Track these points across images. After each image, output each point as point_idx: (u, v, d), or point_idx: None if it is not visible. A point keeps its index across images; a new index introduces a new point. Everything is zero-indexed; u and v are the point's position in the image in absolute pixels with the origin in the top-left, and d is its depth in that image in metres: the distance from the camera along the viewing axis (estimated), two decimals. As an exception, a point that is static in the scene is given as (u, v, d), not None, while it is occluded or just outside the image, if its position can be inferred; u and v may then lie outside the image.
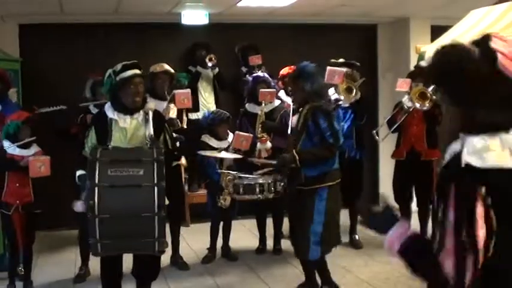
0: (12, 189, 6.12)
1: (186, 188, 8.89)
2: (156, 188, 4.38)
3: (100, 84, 7.10)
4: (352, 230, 8.01)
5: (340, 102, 7.46)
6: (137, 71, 5.15)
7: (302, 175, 5.62)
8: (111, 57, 8.92)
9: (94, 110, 7.13)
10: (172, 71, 7.20)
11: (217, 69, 9.17)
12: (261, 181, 5.89)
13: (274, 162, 5.90)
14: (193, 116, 8.86)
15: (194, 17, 9.00)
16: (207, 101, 9.22)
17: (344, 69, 7.07)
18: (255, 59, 8.90)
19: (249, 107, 7.64)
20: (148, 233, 4.38)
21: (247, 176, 6.07)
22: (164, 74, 7.11)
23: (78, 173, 5.07)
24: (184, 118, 7.12)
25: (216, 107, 8.81)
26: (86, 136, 5.20)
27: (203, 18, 9.01)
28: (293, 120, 5.88)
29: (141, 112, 5.09)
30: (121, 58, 8.42)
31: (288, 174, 5.80)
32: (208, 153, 6.75)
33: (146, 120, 4.97)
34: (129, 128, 5.03)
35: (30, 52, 8.85)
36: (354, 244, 7.87)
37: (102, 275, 5.31)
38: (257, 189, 5.82)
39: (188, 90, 6.74)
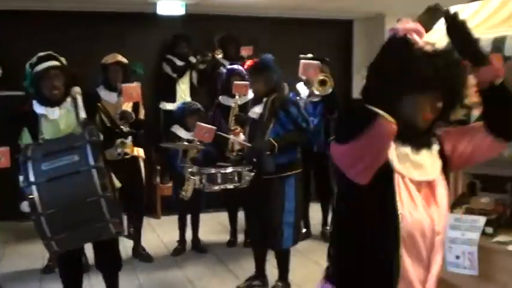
0: None
1: (158, 180, 8.85)
2: (94, 170, 4.22)
3: None
4: (324, 223, 8.02)
5: (316, 99, 7.48)
6: (52, 63, 4.91)
7: (273, 163, 5.64)
8: (87, 46, 8.94)
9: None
10: (125, 61, 7.04)
11: (204, 66, 9.18)
12: (225, 171, 5.84)
13: (248, 144, 5.85)
14: (168, 106, 8.83)
15: (170, 7, 8.93)
16: (184, 93, 9.20)
17: (318, 62, 7.06)
18: (247, 50, 8.89)
19: (223, 99, 7.60)
20: (99, 217, 4.20)
21: (210, 169, 6.01)
22: (116, 65, 6.91)
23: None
24: (142, 110, 7.00)
25: (192, 99, 8.78)
26: (20, 139, 4.98)
27: (180, 9, 8.95)
28: (255, 110, 5.89)
29: (69, 100, 4.88)
30: (96, 47, 8.45)
31: (255, 163, 5.77)
32: (181, 145, 6.70)
33: (75, 106, 4.82)
34: (60, 119, 4.87)
35: (4, 39, 8.72)
36: (326, 237, 7.86)
37: (61, 273, 5.21)
38: (219, 180, 5.79)
39: (137, 84, 6.60)
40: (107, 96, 6.78)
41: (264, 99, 5.81)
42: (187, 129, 7.17)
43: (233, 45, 9.40)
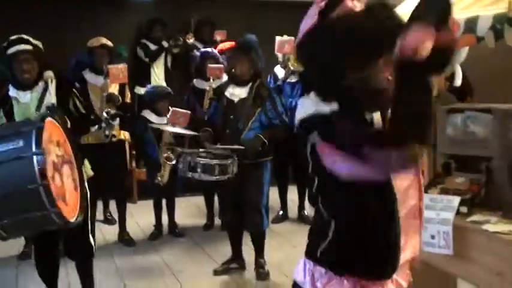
0: None
1: (134, 164, 8.81)
2: (36, 157, 4.11)
3: None
4: (301, 206, 8.04)
5: (293, 79, 7.47)
6: (22, 47, 4.81)
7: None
8: (63, 31, 8.85)
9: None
10: (110, 44, 7.04)
11: (178, 50, 9.13)
12: (220, 162, 5.64)
13: (236, 147, 5.70)
14: (142, 91, 8.78)
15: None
16: (158, 77, 9.15)
17: (293, 38, 7.05)
18: (221, 34, 8.84)
19: (197, 82, 7.57)
20: (40, 206, 4.10)
21: (190, 151, 5.90)
22: (101, 48, 6.95)
23: None
24: (128, 93, 7.00)
25: (166, 83, 8.73)
26: None
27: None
28: (234, 92, 5.87)
29: (41, 84, 4.85)
30: (70, 31, 8.36)
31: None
32: (159, 126, 6.64)
33: (45, 90, 4.81)
34: (31, 103, 4.82)
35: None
36: (304, 219, 7.89)
37: (36, 260, 5.14)
38: (216, 171, 5.59)
39: (123, 65, 6.61)
40: (93, 79, 6.84)
41: (249, 84, 5.82)
42: (158, 113, 7.07)
43: (207, 28, 9.37)
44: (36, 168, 3.95)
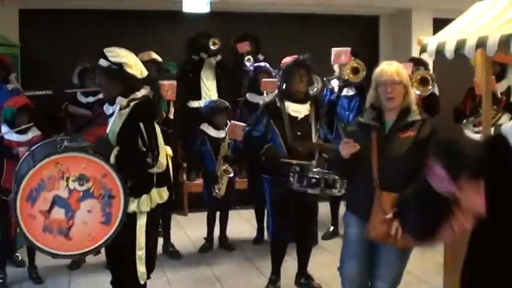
0: (10, 176, 6.05)
1: (185, 177, 8.86)
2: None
3: (88, 72, 7.10)
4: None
5: (351, 93, 7.44)
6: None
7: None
8: (111, 45, 8.95)
9: (81, 98, 7.07)
10: (159, 59, 7.09)
11: (219, 57, 9.14)
12: (327, 176, 5.48)
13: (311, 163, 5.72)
14: (195, 104, 8.83)
15: (195, 4, 8.92)
16: (209, 90, 9.18)
17: (349, 48, 7.08)
18: (243, 46, 8.84)
19: (250, 96, 7.65)
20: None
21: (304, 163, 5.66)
22: (151, 63, 6.91)
23: None
24: (172, 109, 7.03)
25: (218, 96, 8.77)
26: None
27: (204, 6, 8.94)
28: (296, 108, 5.85)
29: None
30: (121, 45, 8.46)
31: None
32: None
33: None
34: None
35: (30, 38, 8.80)
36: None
37: None
38: (322, 184, 5.45)
39: (173, 82, 6.65)
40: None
41: (309, 101, 5.91)
42: (216, 127, 7.19)
43: (250, 41, 9.33)
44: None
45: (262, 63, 7.93)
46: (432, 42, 7.12)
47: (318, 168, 5.60)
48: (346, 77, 7.31)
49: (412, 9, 9.71)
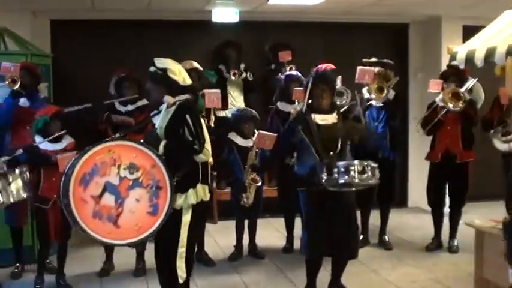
0: (49, 184, 6.15)
1: (214, 185, 8.87)
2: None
3: (124, 81, 7.17)
4: (382, 231, 7.94)
5: (372, 102, 7.44)
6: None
7: None
8: (142, 54, 9.06)
9: (119, 107, 7.14)
10: (200, 68, 7.17)
11: (244, 75, 9.14)
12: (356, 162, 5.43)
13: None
14: (221, 113, 8.83)
15: (225, 14, 8.97)
16: (236, 99, 9.17)
17: (374, 69, 7.06)
18: (285, 55, 8.82)
19: (281, 105, 7.66)
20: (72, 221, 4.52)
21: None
22: (192, 72, 7.04)
23: None
24: (212, 117, 7.09)
25: (245, 105, 8.78)
26: None
27: (234, 16, 8.99)
28: (324, 118, 5.82)
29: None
30: (151, 55, 8.51)
31: None
32: None
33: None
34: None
35: (61, 48, 8.92)
36: (384, 244, 7.80)
37: None
38: (352, 172, 5.35)
39: (218, 90, 6.74)
40: None
41: (335, 111, 5.90)
42: (244, 136, 7.22)
43: (287, 50, 9.31)
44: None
45: (293, 72, 7.95)
46: (462, 50, 7.11)
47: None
48: (372, 96, 7.31)
49: (442, 17, 9.65)
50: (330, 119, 5.83)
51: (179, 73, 4.91)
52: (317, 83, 5.88)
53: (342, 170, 5.35)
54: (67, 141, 6.35)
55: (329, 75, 5.99)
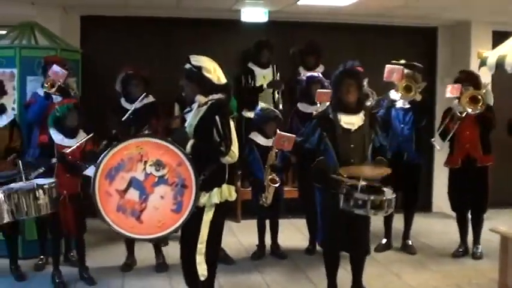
0: (62, 180, 6.18)
1: (239, 184, 8.91)
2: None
3: (131, 78, 7.17)
4: (406, 235, 7.90)
5: (397, 104, 7.41)
6: None
7: None
8: (170, 52, 9.12)
9: (125, 104, 7.11)
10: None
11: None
12: (373, 198, 5.35)
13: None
14: (248, 114, 8.82)
15: (253, 14, 8.99)
16: (266, 101, 9.10)
17: (402, 67, 7.05)
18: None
19: (301, 106, 7.65)
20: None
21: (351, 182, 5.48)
22: None
23: None
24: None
25: (274, 106, 8.75)
26: None
27: (262, 16, 9.00)
28: (351, 120, 5.75)
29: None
30: (180, 53, 8.56)
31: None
32: None
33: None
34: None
35: (90, 44, 8.99)
36: (407, 249, 7.77)
37: None
38: (368, 206, 5.31)
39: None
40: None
41: (362, 111, 5.81)
42: (266, 135, 7.22)
43: (312, 56, 9.28)
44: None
45: (315, 74, 7.94)
46: (492, 55, 7.06)
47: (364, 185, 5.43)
48: (399, 95, 7.28)
49: (472, 22, 9.58)
50: (357, 121, 5.74)
51: (214, 71, 4.91)
52: (343, 78, 5.79)
53: (360, 203, 5.34)
54: (82, 136, 6.37)
55: (355, 69, 5.93)
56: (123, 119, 6.77)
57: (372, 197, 5.32)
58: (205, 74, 4.85)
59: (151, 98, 7.25)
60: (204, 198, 4.77)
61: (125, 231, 4.61)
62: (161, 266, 6.94)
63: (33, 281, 6.59)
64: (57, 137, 6.27)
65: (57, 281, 6.39)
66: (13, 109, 7.19)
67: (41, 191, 5.62)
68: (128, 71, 7.21)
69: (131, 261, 7.05)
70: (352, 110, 5.77)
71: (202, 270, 4.84)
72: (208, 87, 4.87)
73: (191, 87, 4.94)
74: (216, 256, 5.12)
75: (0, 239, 6.72)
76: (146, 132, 4.86)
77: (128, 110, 6.96)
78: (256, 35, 9.30)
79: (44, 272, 6.82)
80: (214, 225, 4.87)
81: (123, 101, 7.15)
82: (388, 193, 5.46)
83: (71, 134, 6.31)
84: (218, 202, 4.83)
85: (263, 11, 8.97)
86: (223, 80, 4.96)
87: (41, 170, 6.10)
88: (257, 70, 9.17)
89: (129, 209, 4.56)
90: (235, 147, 4.83)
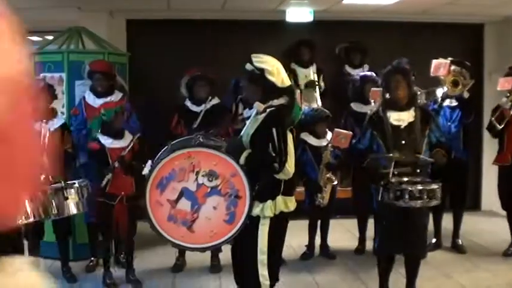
0: (119, 182, 6.24)
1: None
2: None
3: (197, 80, 7.19)
4: (455, 235, 7.82)
5: (454, 103, 7.33)
6: None
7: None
8: (216, 54, 9.17)
9: (192, 107, 7.15)
10: None
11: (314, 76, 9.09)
12: (411, 188, 5.33)
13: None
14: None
15: (299, 14, 8.99)
16: (309, 99, 9.10)
17: (448, 61, 7.00)
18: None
19: (355, 106, 7.59)
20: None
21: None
22: None
23: None
24: None
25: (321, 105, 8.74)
26: None
27: (308, 16, 8.99)
28: (397, 117, 5.69)
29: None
30: (225, 55, 8.61)
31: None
32: None
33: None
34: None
35: (136, 47, 9.09)
36: (458, 248, 7.69)
37: None
38: (406, 196, 5.30)
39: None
40: None
41: (412, 107, 5.72)
42: (317, 136, 7.20)
43: (358, 54, 9.26)
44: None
45: (368, 73, 7.89)
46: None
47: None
48: (446, 90, 7.22)
49: (519, 17, 9.48)
50: (407, 117, 5.68)
51: (277, 73, 4.65)
52: (392, 74, 5.75)
53: (398, 194, 5.32)
54: (129, 138, 6.39)
55: (404, 65, 5.85)
56: (195, 126, 6.81)
57: (410, 187, 5.29)
58: (268, 76, 4.59)
59: (217, 100, 7.25)
60: (257, 209, 4.65)
61: (175, 240, 4.64)
62: (215, 267, 6.98)
63: (84, 282, 6.69)
64: (107, 141, 6.32)
65: (108, 281, 6.47)
66: (62, 113, 7.29)
67: (70, 191, 5.57)
68: (195, 72, 7.23)
69: (182, 262, 7.10)
70: (402, 107, 5.72)
71: (264, 279, 4.73)
72: (271, 90, 4.63)
73: (252, 89, 4.76)
74: (277, 267, 5.03)
75: (53, 242, 6.84)
76: (199, 135, 4.77)
77: (195, 112, 7.00)
78: (301, 35, 9.29)
79: (94, 273, 6.93)
80: (273, 235, 4.75)
81: (189, 104, 7.16)
82: (429, 184, 5.42)
83: (119, 136, 6.37)
84: (272, 215, 4.68)
85: (308, 11, 8.96)
86: (287, 82, 4.72)
87: (109, 176, 6.15)
88: (299, 70, 9.11)
89: (180, 219, 4.58)
90: (290, 163, 4.62)
